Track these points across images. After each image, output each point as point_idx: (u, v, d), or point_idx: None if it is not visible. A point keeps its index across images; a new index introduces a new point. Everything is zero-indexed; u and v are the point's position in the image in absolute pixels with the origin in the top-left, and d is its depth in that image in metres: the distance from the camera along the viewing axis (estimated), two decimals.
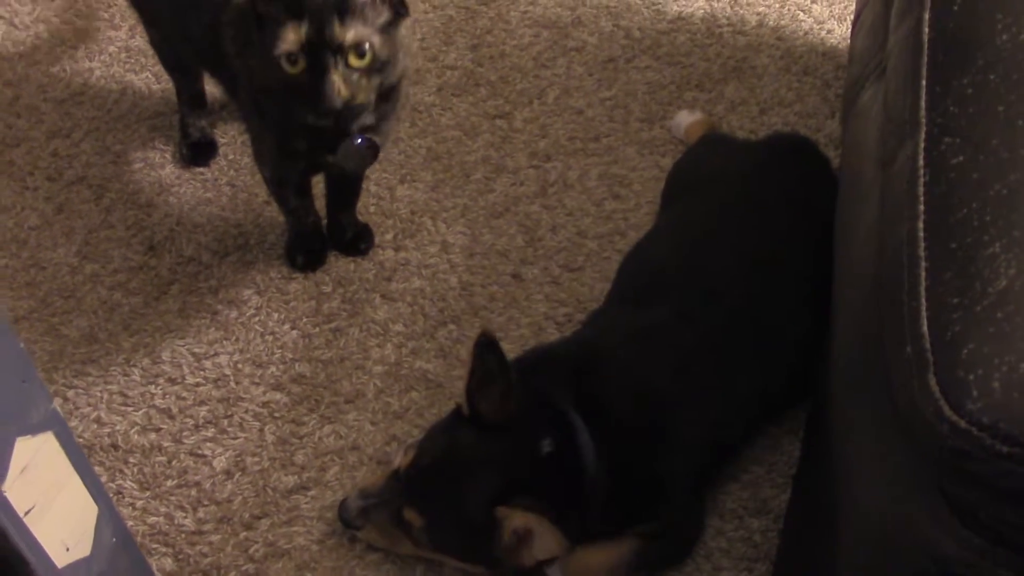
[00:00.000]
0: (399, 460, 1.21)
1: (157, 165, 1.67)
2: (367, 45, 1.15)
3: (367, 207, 1.60)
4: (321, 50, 1.13)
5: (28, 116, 1.73)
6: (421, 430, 1.35)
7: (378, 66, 1.17)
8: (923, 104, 0.75)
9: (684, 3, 1.87)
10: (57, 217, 1.60)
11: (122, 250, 1.57)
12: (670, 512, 1.20)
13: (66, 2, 1.91)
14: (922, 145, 0.72)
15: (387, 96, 1.28)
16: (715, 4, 1.87)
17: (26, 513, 0.88)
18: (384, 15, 1.18)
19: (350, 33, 1.13)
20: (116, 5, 1.88)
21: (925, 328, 0.66)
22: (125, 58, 1.81)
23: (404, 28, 1.23)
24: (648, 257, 1.39)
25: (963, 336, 0.64)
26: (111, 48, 1.83)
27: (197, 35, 1.42)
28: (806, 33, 1.81)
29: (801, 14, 1.84)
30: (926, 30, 0.79)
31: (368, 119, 1.27)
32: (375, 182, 1.62)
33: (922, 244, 0.69)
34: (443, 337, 1.46)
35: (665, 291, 1.29)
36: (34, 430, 0.89)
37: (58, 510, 0.93)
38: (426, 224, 1.59)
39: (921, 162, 0.72)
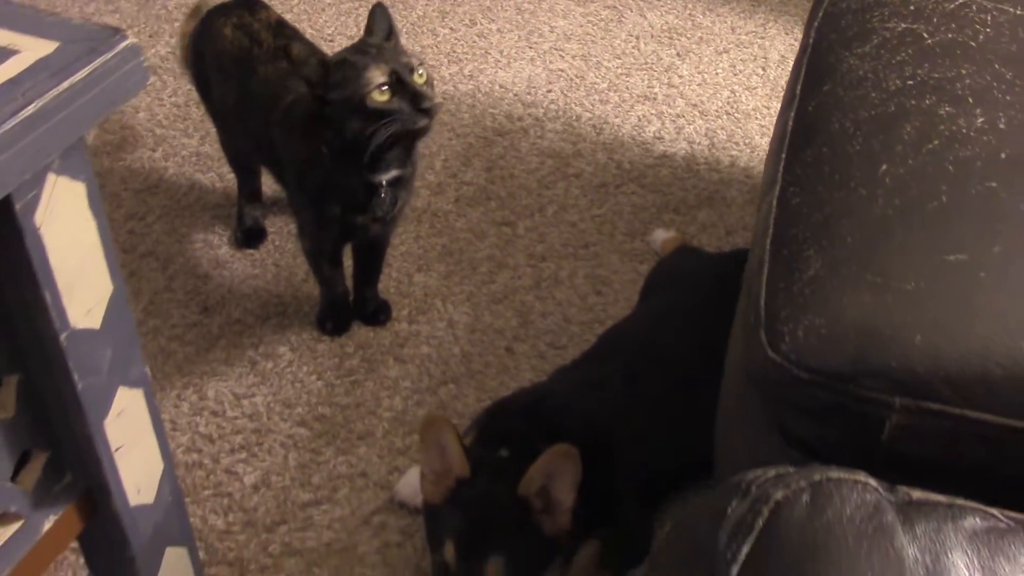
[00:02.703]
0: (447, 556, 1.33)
1: (215, 245, 2.07)
2: (422, 68, 1.61)
3: (388, 288, 1.98)
4: (402, 77, 1.57)
5: (110, 201, 2.15)
6: (418, 464, 1.69)
7: (431, 83, 1.62)
8: (781, 169, 1.14)
9: (669, 143, 2.30)
10: (129, 281, 1.99)
11: (180, 310, 1.95)
12: (623, 517, 1.49)
13: (149, 113, 2.37)
14: (777, 193, 1.11)
15: (410, 155, 1.70)
16: (695, 146, 2.29)
17: (116, 450, 1.07)
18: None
19: (414, 60, 1.60)
20: (191, 118, 2.34)
21: (763, 303, 1.02)
22: (195, 160, 2.25)
23: None
24: (613, 333, 1.74)
25: (783, 305, 1.00)
26: (184, 152, 2.27)
27: (255, 131, 1.85)
28: None
29: None
30: (790, 124, 1.19)
31: (396, 171, 1.68)
32: (396, 269, 2.02)
33: (768, 252, 1.06)
34: (444, 393, 1.80)
35: (617, 356, 1.63)
36: (131, 384, 1.09)
37: (136, 456, 1.11)
38: (436, 304, 1.96)
39: (775, 203, 1.10)
